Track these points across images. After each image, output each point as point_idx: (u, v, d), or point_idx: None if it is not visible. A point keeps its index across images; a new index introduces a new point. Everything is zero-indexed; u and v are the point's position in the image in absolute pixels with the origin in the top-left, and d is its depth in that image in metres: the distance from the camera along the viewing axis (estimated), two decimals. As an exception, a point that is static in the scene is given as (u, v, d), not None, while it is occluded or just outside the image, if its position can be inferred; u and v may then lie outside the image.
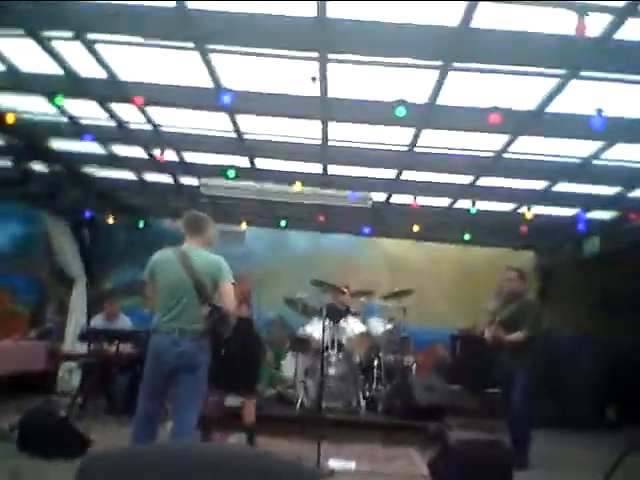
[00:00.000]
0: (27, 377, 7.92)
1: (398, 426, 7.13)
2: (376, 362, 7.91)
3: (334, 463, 5.56)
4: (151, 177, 8.15)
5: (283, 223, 9.15)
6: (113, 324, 8.17)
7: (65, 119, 6.21)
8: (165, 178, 8.10)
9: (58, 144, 7.10)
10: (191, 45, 4.64)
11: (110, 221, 9.39)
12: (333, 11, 4.13)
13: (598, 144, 5.90)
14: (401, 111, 5.06)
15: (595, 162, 6.32)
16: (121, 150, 7.19)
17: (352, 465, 5.67)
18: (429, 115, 5.46)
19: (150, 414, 4.20)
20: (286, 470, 1.37)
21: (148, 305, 4.43)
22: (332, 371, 7.37)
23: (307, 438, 5.36)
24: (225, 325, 4.26)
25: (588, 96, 4.96)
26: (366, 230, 9.15)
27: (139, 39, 4.62)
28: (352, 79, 5.16)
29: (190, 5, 4.19)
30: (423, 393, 7.35)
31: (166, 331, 4.16)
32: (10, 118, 5.55)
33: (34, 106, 5.92)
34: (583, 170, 6.50)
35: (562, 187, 7.20)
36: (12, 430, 5.44)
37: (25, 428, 5.30)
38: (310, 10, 4.12)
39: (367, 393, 7.74)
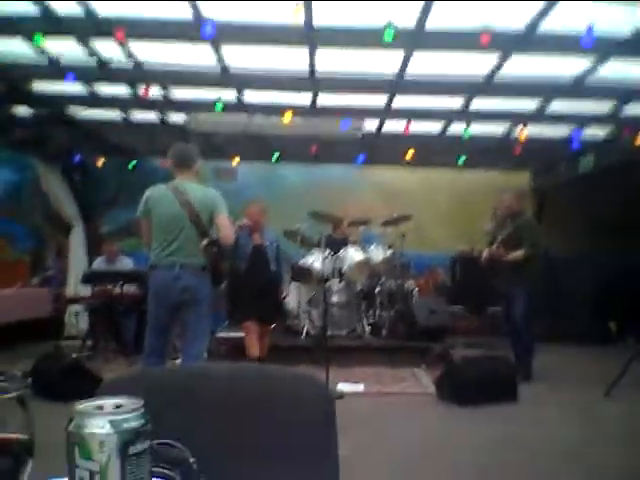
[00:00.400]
0: (34, 324, 8.02)
1: (402, 348, 7.27)
2: (378, 288, 7.99)
3: (343, 387, 5.70)
4: (138, 115, 8.00)
5: (275, 156, 9.04)
6: (114, 265, 8.21)
7: (46, 60, 6.03)
8: (152, 116, 7.96)
9: (41, 86, 6.91)
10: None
11: (100, 163, 9.26)
12: None
13: (590, 61, 5.80)
14: (389, 35, 4.93)
15: (588, 79, 6.22)
16: (105, 89, 7.02)
17: (360, 387, 5.81)
18: (418, 37, 5.32)
19: (157, 348, 4.26)
20: (299, 381, 1.37)
21: (145, 242, 4.38)
22: (335, 300, 7.46)
23: (314, 365, 5.47)
24: (224, 257, 4.29)
25: (580, 13, 4.85)
26: (359, 159, 9.06)
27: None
28: (338, 4, 5.01)
29: None
30: (425, 316, 7.47)
31: (166, 266, 4.15)
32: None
33: (14, 48, 5.74)
34: (576, 87, 6.40)
35: (556, 106, 7.09)
36: (25, 377, 5.53)
37: (38, 373, 5.37)
38: None
39: (370, 319, 7.87)
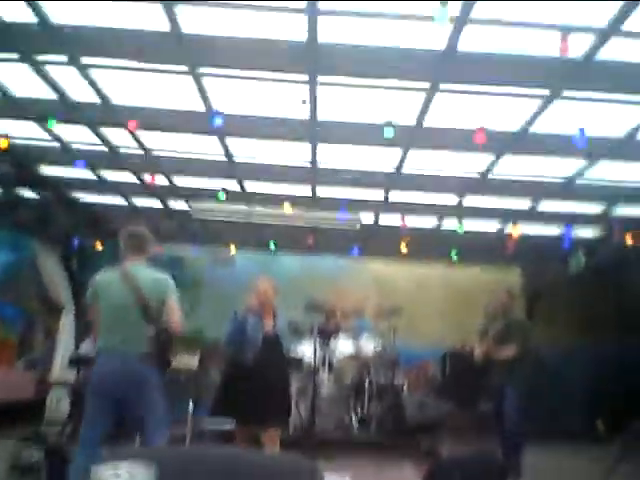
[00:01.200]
0: (15, 406, 7.81)
1: (391, 444, 7.11)
2: (367, 382, 7.88)
3: None
4: (141, 202, 8.17)
5: (272, 245, 9.17)
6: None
7: (56, 144, 6.22)
8: (155, 202, 8.12)
9: (48, 170, 7.09)
10: (184, 69, 4.72)
11: (98, 247, 9.28)
12: (323, 35, 4.24)
13: (581, 162, 6.06)
14: (389, 132, 5.16)
15: (579, 180, 6.48)
16: (111, 175, 7.20)
17: (347, 482, 5.61)
18: (416, 136, 5.57)
19: (91, 441, 3.90)
20: (288, 466, 1.38)
21: (93, 329, 4.15)
22: (324, 392, 7.34)
23: (301, 457, 5.23)
24: (171, 346, 4.03)
25: (571, 116, 5.12)
26: (355, 251, 9.20)
27: (132, 63, 4.68)
28: (341, 101, 5.28)
29: (184, 29, 4.27)
30: (415, 411, 7.33)
31: (111, 355, 3.91)
32: (3, 143, 5.51)
33: (26, 131, 5.94)
34: (567, 188, 6.64)
35: (547, 206, 7.32)
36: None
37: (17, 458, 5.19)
38: (301, 34, 4.24)
39: (359, 413, 7.72)
